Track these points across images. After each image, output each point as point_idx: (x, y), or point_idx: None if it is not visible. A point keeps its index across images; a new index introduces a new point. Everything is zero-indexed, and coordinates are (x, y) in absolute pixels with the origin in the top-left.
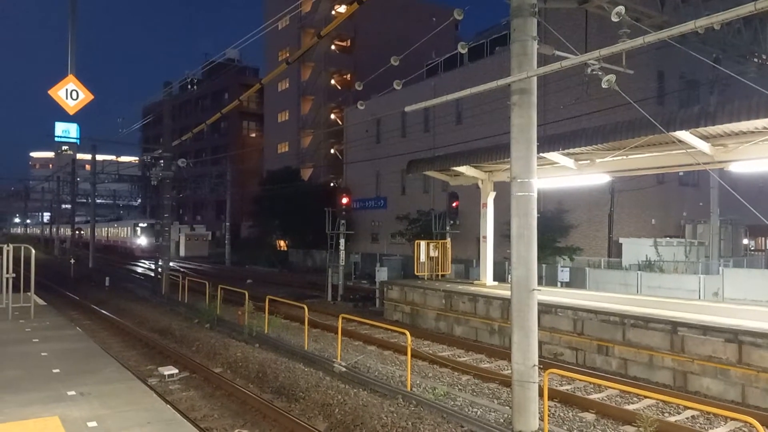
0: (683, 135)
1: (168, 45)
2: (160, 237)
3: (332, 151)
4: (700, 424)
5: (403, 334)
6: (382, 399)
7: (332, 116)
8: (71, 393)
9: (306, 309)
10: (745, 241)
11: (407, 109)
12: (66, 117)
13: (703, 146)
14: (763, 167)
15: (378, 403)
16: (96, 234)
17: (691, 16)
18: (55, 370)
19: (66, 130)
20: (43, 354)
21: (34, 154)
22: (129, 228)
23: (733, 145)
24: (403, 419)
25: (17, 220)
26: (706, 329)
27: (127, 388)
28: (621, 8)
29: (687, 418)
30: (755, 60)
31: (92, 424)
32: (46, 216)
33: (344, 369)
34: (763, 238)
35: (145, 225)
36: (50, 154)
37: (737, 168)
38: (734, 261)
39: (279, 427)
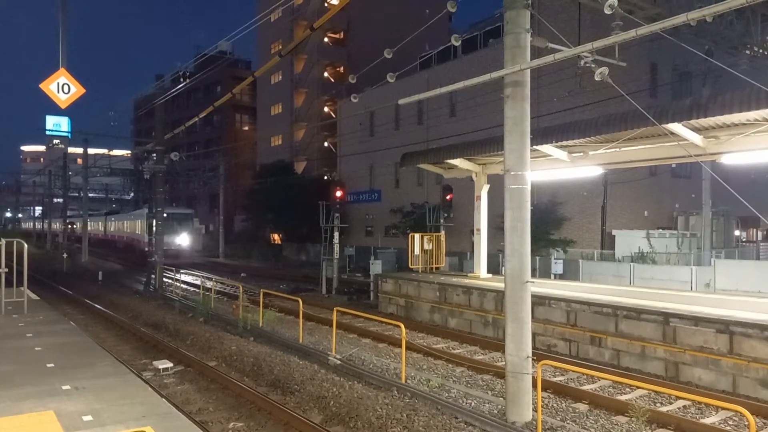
0: (675, 127)
1: (159, 38)
2: (153, 230)
3: (326, 144)
4: (692, 413)
5: (398, 326)
6: (376, 391)
7: (326, 109)
8: (66, 387)
9: (300, 302)
10: (737, 233)
11: (401, 101)
12: (57, 110)
13: (696, 138)
14: (755, 159)
15: (373, 396)
16: (97, 229)
17: (683, 8)
18: (49, 365)
19: (57, 124)
20: (37, 348)
21: (25, 148)
22: (141, 221)
23: (725, 136)
24: (398, 411)
25: (8, 214)
26: (697, 320)
27: (122, 381)
28: (613, 0)
29: (679, 408)
30: (747, 52)
31: (87, 418)
32: (38, 210)
33: (339, 362)
34: (754, 229)
35: (167, 216)
36: (41, 148)
37: (729, 160)
38: (726, 252)
39: (274, 419)
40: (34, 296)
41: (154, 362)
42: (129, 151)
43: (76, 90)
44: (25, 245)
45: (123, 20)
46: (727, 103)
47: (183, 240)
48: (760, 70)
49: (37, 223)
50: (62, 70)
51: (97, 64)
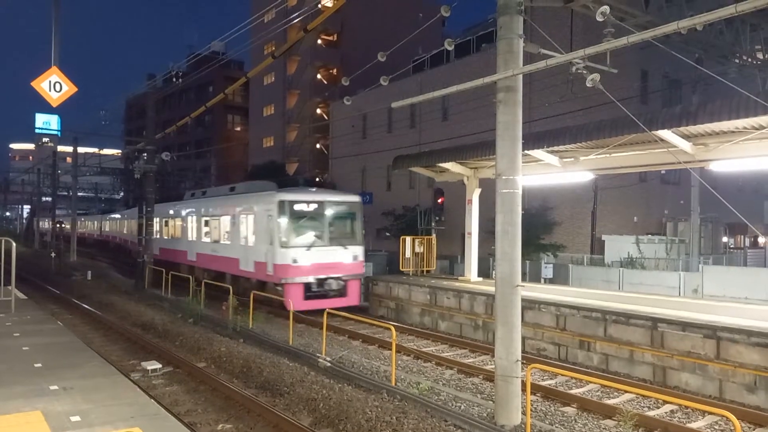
0: (665, 134)
1: (152, 37)
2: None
3: (318, 146)
4: (679, 418)
5: (388, 329)
6: (366, 394)
7: (318, 111)
8: (53, 387)
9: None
10: (725, 239)
11: (394, 105)
12: (47, 108)
13: (685, 145)
14: (742, 166)
15: (363, 398)
16: (92, 229)
17: (674, 17)
18: (36, 365)
19: (47, 122)
20: (24, 348)
21: (14, 146)
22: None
23: (714, 144)
24: (388, 414)
25: None
26: (685, 325)
27: (110, 382)
28: (606, 8)
29: (666, 413)
30: (736, 60)
31: (75, 418)
32: (27, 209)
33: (329, 364)
34: (742, 236)
35: (318, 208)
36: (30, 146)
37: (717, 167)
38: (714, 258)
39: (263, 421)
40: (21, 295)
41: (143, 363)
42: (119, 151)
43: (68, 89)
44: (14, 244)
45: (116, 20)
46: (716, 111)
47: (347, 256)
48: (748, 79)
49: (24, 222)
50: (54, 68)
51: (89, 63)
